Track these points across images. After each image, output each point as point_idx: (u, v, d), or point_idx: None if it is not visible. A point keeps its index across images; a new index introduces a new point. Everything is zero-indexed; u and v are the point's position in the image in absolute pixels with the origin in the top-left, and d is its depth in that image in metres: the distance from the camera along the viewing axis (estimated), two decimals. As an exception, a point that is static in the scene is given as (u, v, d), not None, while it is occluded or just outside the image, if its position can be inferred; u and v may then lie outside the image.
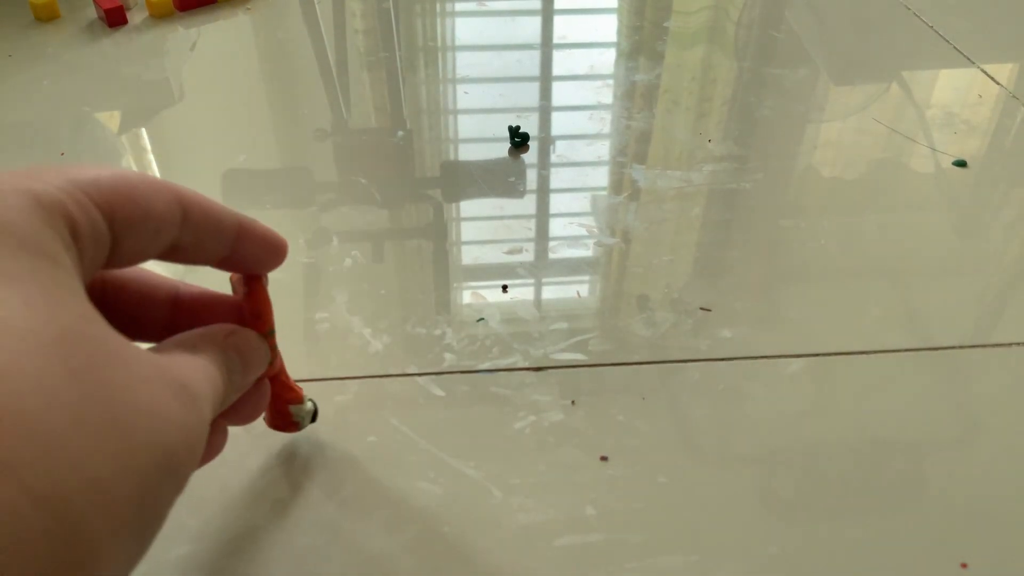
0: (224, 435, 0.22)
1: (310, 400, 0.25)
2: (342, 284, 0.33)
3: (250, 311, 0.21)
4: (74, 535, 0.12)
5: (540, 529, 0.24)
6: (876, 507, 0.24)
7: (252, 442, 0.26)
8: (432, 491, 0.25)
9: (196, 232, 0.18)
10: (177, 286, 0.21)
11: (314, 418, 0.25)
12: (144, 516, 0.14)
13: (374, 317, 0.31)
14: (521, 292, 0.33)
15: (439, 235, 0.36)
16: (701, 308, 0.32)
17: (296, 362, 0.29)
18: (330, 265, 0.34)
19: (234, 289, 0.22)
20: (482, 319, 0.31)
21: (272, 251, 0.20)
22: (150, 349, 0.18)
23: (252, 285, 0.21)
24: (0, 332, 0.12)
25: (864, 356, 0.30)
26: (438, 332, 0.31)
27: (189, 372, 0.17)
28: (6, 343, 0.12)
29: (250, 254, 0.20)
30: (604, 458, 0.26)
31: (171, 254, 0.18)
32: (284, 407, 0.24)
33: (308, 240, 0.35)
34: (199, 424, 0.16)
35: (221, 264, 0.20)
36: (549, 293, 0.33)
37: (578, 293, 0.33)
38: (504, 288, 0.33)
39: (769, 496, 0.25)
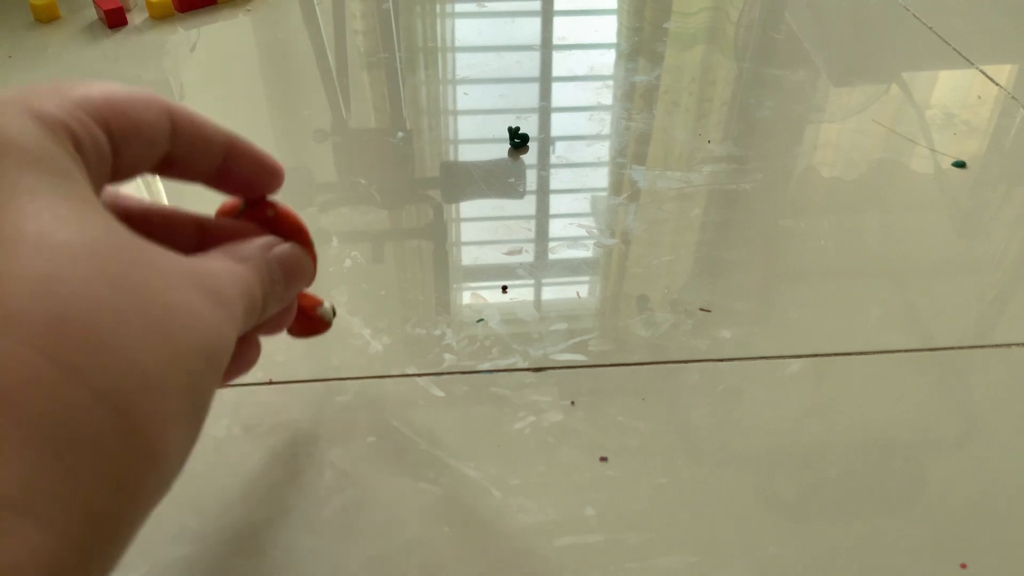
0: (257, 348, 0.22)
1: (324, 300, 0.26)
2: (342, 285, 0.33)
3: (288, 227, 0.22)
4: (136, 426, 0.13)
5: (540, 529, 0.24)
6: (876, 507, 0.24)
7: (253, 442, 0.26)
8: (432, 491, 0.25)
9: (186, 144, 0.18)
10: (202, 218, 0.21)
11: (334, 312, 0.26)
12: (193, 405, 0.15)
13: (374, 317, 0.31)
14: (521, 293, 0.33)
15: (439, 236, 0.36)
16: (701, 309, 0.32)
17: (296, 362, 0.29)
18: (330, 265, 0.34)
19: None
20: (482, 320, 0.31)
21: (265, 170, 0.20)
22: (202, 256, 0.18)
23: (269, 206, 0.22)
24: (39, 245, 0.13)
25: (864, 356, 0.30)
26: (438, 332, 0.31)
27: (224, 279, 0.17)
28: (46, 255, 0.13)
29: (243, 171, 0.20)
30: (604, 459, 0.26)
31: (164, 168, 0.18)
32: (312, 311, 0.25)
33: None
34: (230, 325, 0.16)
35: (215, 181, 0.20)
36: (549, 294, 0.33)
37: (578, 294, 0.33)
38: (504, 289, 0.33)
39: (769, 496, 0.25)
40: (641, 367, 0.29)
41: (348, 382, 0.28)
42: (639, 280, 0.33)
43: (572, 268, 0.34)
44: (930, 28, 0.54)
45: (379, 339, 0.30)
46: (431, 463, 0.25)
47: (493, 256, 0.35)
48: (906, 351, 0.30)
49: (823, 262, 0.34)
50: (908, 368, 0.29)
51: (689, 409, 0.27)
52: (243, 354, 0.21)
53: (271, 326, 0.22)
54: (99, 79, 0.17)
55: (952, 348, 0.30)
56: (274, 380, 0.28)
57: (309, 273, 0.22)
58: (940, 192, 0.39)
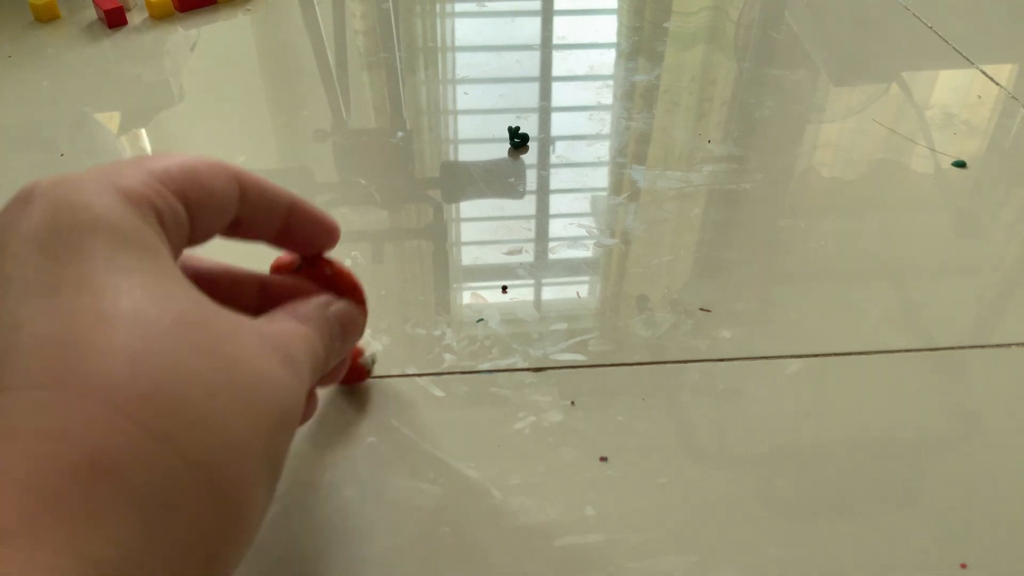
0: (315, 402, 0.24)
1: (366, 349, 0.28)
2: (342, 285, 0.33)
3: (344, 285, 0.23)
4: (223, 490, 0.14)
5: (540, 529, 0.24)
6: (876, 507, 0.24)
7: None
8: (432, 492, 0.25)
9: (253, 207, 0.19)
10: (262, 276, 0.22)
11: (374, 360, 0.28)
12: (271, 467, 0.16)
13: (374, 317, 0.31)
14: (521, 293, 0.33)
15: (439, 236, 0.36)
16: (701, 309, 0.32)
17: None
18: (330, 266, 0.34)
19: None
20: (482, 320, 0.31)
21: (323, 229, 0.22)
22: (267, 318, 0.19)
23: (327, 264, 0.23)
24: (133, 321, 0.14)
25: (863, 356, 0.30)
26: (438, 333, 0.31)
27: (293, 340, 0.18)
28: (142, 331, 0.14)
29: (302, 231, 0.21)
30: (604, 459, 0.26)
31: (232, 230, 0.19)
32: (355, 361, 0.27)
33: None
34: (301, 386, 0.18)
35: (276, 240, 0.21)
36: (549, 294, 0.33)
37: (578, 294, 0.33)
38: (504, 289, 0.33)
39: (769, 496, 0.25)
40: (641, 367, 0.29)
41: (303, 403, 0.28)
42: (639, 280, 0.33)
43: (572, 268, 0.34)
44: (930, 27, 0.54)
45: (379, 339, 0.30)
46: (431, 463, 0.25)
47: (493, 256, 0.35)
48: (906, 351, 0.30)
49: (823, 262, 0.34)
50: (907, 368, 0.29)
51: (689, 409, 0.27)
52: (304, 408, 0.21)
53: (327, 379, 0.23)
54: (171, 153, 0.18)
55: (952, 348, 0.30)
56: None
57: (362, 330, 0.23)
58: (940, 192, 0.39)
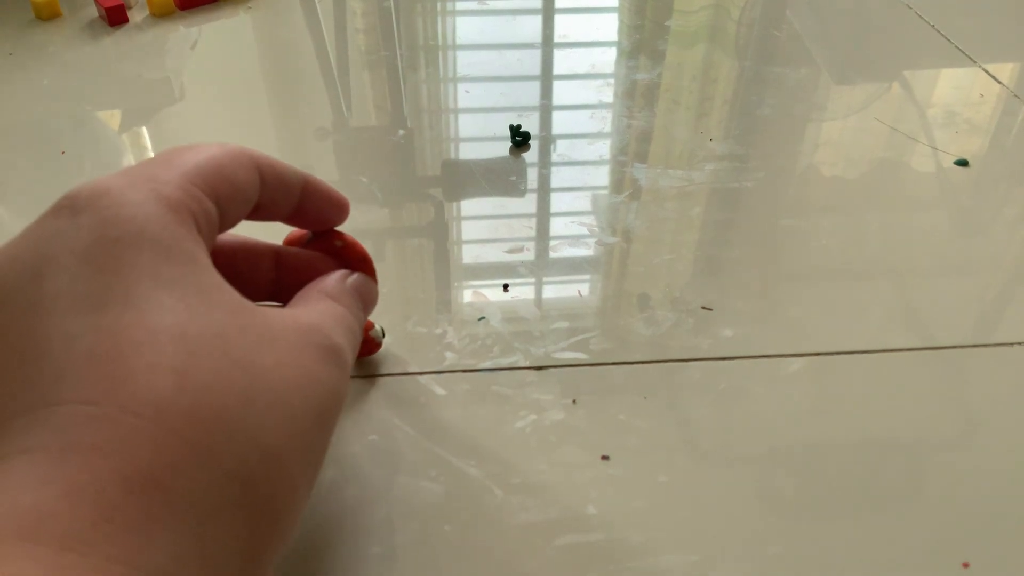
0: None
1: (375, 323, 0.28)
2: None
3: (354, 256, 0.24)
4: (260, 498, 0.15)
5: (541, 528, 0.24)
6: (877, 506, 0.24)
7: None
8: (433, 489, 0.25)
9: (271, 192, 0.20)
10: (277, 248, 0.23)
11: (383, 333, 0.29)
12: (309, 467, 0.17)
13: (375, 316, 0.31)
14: (522, 291, 0.33)
15: (440, 234, 0.36)
16: (702, 307, 0.32)
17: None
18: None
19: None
20: (483, 318, 0.31)
21: (335, 206, 0.22)
22: (295, 303, 0.20)
23: (337, 237, 0.23)
24: (177, 337, 0.14)
25: (865, 355, 0.30)
26: (439, 331, 0.31)
27: (330, 323, 0.19)
28: (183, 347, 0.14)
29: (315, 209, 0.22)
30: (605, 457, 0.26)
31: (253, 213, 0.20)
32: (366, 335, 0.27)
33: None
34: (344, 377, 0.18)
35: (290, 219, 0.22)
36: (550, 292, 0.33)
37: (579, 292, 0.33)
38: (505, 287, 0.33)
39: (770, 495, 0.25)
40: (643, 365, 0.29)
41: (351, 380, 0.28)
42: (640, 278, 0.33)
43: (573, 266, 0.34)
44: (932, 26, 0.54)
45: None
46: (433, 461, 0.25)
47: (494, 254, 0.35)
48: (908, 350, 0.30)
49: (825, 261, 0.34)
50: (909, 367, 0.29)
51: (691, 407, 0.27)
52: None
53: None
54: (196, 146, 0.18)
55: (954, 347, 0.30)
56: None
57: (376, 299, 0.24)
58: (942, 191, 0.39)
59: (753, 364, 0.29)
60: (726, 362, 0.29)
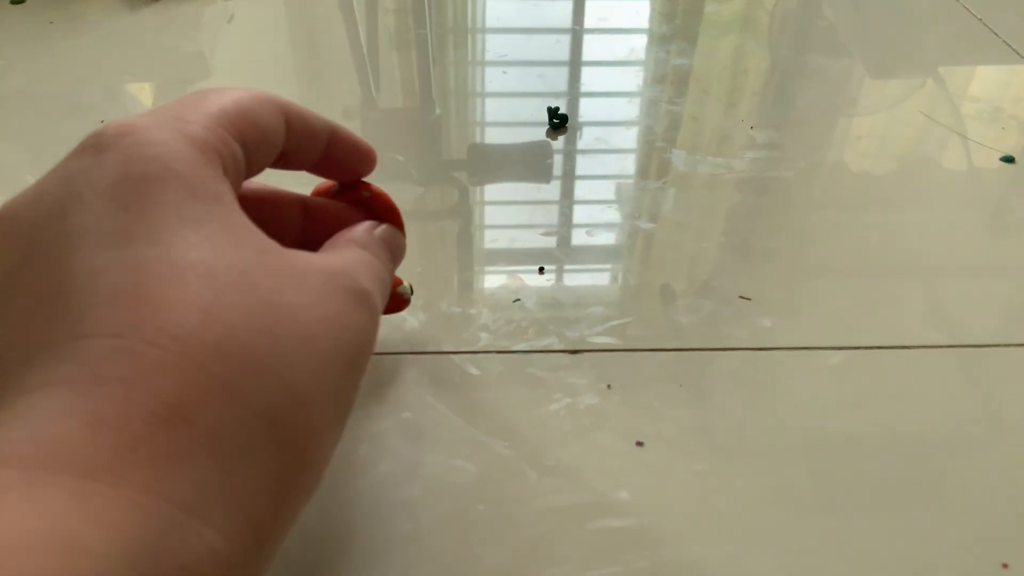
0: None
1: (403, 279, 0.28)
2: (377, 260, 0.33)
3: (382, 207, 0.23)
4: (288, 439, 0.14)
5: (574, 511, 0.23)
6: (916, 502, 0.24)
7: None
8: (467, 469, 0.24)
9: (297, 139, 0.19)
10: (304, 198, 0.23)
11: (412, 290, 0.28)
12: (338, 410, 0.16)
13: (406, 274, 0.31)
14: (558, 275, 0.32)
15: (471, 217, 0.36)
16: (740, 296, 0.31)
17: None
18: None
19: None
20: (518, 300, 0.31)
21: (361, 155, 0.22)
22: (324, 249, 0.20)
23: (364, 187, 0.23)
24: (204, 274, 0.14)
25: (906, 351, 0.29)
26: (474, 312, 0.30)
27: (360, 269, 0.18)
28: (211, 284, 0.14)
29: (341, 158, 0.21)
30: (640, 443, 0.25)
31: (277, 161, 0.20)
32: (395, 290, 0.26)
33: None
34: (373, 323, 0.18)
35: (316, 168, 0.21)
36: (585, 277, 0.33)
37: (614, 278, 0.32)
38: (541, 270, 0.32)
39: (806, 489, 0.24)
40: (679, 353, 0.29)
41: (384, 357, 0.28)
42: (677, 266, 0.33)
43: (609, 252, 0.34)
44: (979, 19, 0.53)
45: (416, 316, 0.30)
46: (466, 441, 0.25)
47: (529, 238, 0.34)
48: (948, 347, 0.29)
49: (864, 254, 0.34)
50: (950, 364, 0.29)
51: (727, 397, 0.27)
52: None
53: None
54: (223, 88, 0.18)
55: (992, 345, 0.29)
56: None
57: (404, 252, 0.23)
58: (985, 188, 0.38)
59: (791, 356, 0.29)
60: (765, 352, 0.29)
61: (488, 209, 0.37)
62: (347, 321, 0.17)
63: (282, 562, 0.22)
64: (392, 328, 0.29)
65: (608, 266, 0.33)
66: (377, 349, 0.28)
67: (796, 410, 0.27)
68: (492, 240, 0.34)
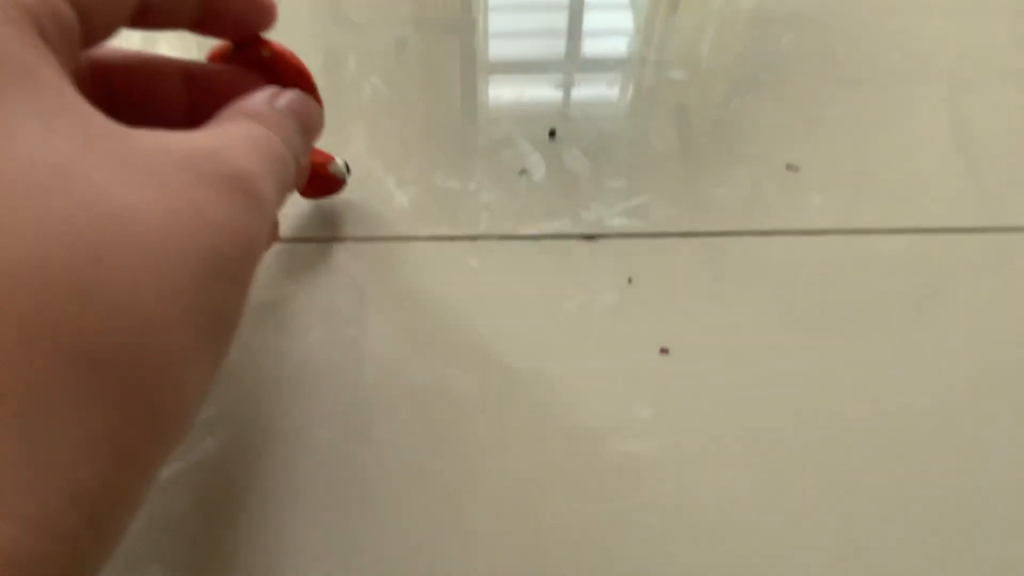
0: (276, 227, 0.20)
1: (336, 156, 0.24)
2: (359, 120, 0.28)
3: (287, 69, 0.19)
4: (121, 382, 0.11)
5: (587, 432, 0.21)
6: (983, 418, 0.21)
7: (255, 314, 0.23)
8: (465, 380, 0.21)
9: None
10: (187, 64, 0.19)
11: (348, 169, 0.24)
12: (203, 333, 0.13)
13: (398, 163, 0.26)
14: (571, 139, 0.27)
15: (471, 39, 0.30)
16: (787, 166, 0.26)
17: (306, 218, 0.25)
18: (344, 95, 0.28)
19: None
20: (524, 171, 0.26)
21: (255, 4, 0.18)
22: (203, 128, 0.16)
23: (263, 46, 0.19)
24: (4, 179, 0.11)
25: (978, 234, 0.25)
26: (472, 186, 0.26)
27: (244, 149, 0.15)
28: (11, 191, 0.11)
29: (229, 8, 0.18)
30: (664, 350, 0.22)
31: (141, 18, 0.16)
32: (324, 170, 0.23)
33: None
34: (256, 213, 0.14)
35: (198, 26, 0.17)
36: (603, 141, 0.28)
37: (640, 140, 0.27)
38: (552, 133, 0.27)
39: (859, 410, 0.21)
40: (712, 238, 0.25)
41: (366, 244, 0.24)
42: (712, 125, 0.28)
43: (631, 108, 0.28)
44: None
45: (405, 191, 0.26)
46: (465, 346, 0.22)
47: (538, 90, 0.29)
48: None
49: (935, 128, 0.28)
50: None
51: (769, 293, 0.23)
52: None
53: None
54: None
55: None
56: (280, 238, 0.24)
57: (321, 122, 0.19)
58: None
59: (846, 240, 0.24)
60: (813, 237, 0.25)
61: (488, 33, 0.31)
62: (211, 217, 0.13)
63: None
64: (378, 206, 0.25)
65: (627, 127, 0.28)
66: (359, 233, 0.24)
67: (850, 308, 0.23)
68: (497, 92, 0.29)
